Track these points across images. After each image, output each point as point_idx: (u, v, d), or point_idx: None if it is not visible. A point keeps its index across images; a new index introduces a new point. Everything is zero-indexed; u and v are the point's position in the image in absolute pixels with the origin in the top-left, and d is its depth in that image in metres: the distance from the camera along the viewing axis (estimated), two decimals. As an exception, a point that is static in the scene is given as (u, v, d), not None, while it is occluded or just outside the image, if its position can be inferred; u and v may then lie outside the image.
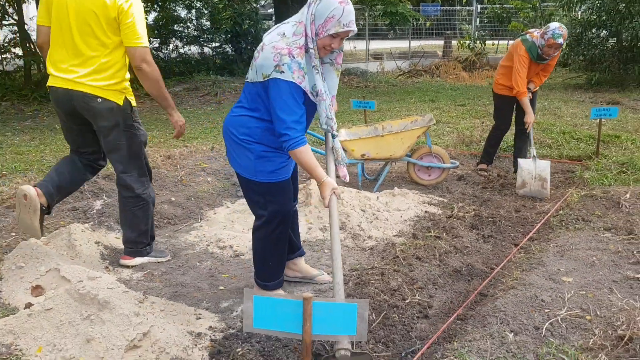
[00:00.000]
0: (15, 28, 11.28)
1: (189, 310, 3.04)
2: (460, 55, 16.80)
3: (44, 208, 3.45)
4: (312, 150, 3.27)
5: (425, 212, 4.69)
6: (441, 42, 19.18)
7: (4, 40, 11.53)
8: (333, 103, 2.97)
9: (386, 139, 5.19)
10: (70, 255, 3.57)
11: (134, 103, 3.52)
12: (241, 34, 13.95)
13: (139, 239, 3.68)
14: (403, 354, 2.74)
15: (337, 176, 2.98)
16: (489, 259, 3.89)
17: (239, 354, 2.63)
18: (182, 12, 14.53)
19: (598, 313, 2.82)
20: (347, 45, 16.46)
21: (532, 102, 5.51)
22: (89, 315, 2.62)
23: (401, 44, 19.78)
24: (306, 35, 2.73)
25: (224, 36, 14.14)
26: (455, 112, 9.31)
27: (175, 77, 12.57)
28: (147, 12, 12.90)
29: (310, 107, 2.84)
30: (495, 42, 19.67)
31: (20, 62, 11.52)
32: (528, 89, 5.42)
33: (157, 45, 13.82)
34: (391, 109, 9.77)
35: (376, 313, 2.99)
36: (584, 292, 3.04)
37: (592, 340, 2.58)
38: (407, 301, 3.15)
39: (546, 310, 2.85)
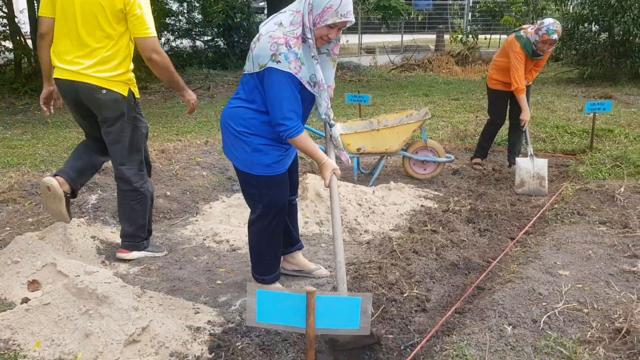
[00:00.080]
0: (5, 21, 11.16)
1: (187, 305, 3.03)
2: (453, 49, 16.82)
3: (68, 195, 3.50)
4: (311, 130, 3.25)
5: (421, 206, 4.70)
6: (433, 36, 19.20)
7: (-6, 33, 11.43)
8: (330, 93, 2.98)
9: (382, 133, 5.19)
10: (66, 250, 3.54)
11: (137, 95, 3.51)
12: (233, 27, 13.85)
13: (137, 232, 3.67)
14: (402, 348, 2.75)
15: (340, 162, 3.06)
16: (485, 252, 3.91)
17: (239, 348, 2.63)
18: (174, 5, 14.38)
19: (595, 306, 2.84)
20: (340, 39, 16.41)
21: (527, 97, 5.52)
22: (88, 310, 2.61)
23: (393, 38, 19.79)
24: (303, 25, 2.71)
25: (216, 29, 14.04)
26: (449, 106, 9.33)
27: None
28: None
29: (306, 98, 2.83)
30: (488, 36, 19.71)
31: (11, 56, 11.41)
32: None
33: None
34: (385, 103, 9.78)
35: (375, 307, 2.99)
36: (581, 286, 3.05)
37: (589, 333, 2.59)
38: (405, 295, 3.15)
39: (544, 304, 2.86)
